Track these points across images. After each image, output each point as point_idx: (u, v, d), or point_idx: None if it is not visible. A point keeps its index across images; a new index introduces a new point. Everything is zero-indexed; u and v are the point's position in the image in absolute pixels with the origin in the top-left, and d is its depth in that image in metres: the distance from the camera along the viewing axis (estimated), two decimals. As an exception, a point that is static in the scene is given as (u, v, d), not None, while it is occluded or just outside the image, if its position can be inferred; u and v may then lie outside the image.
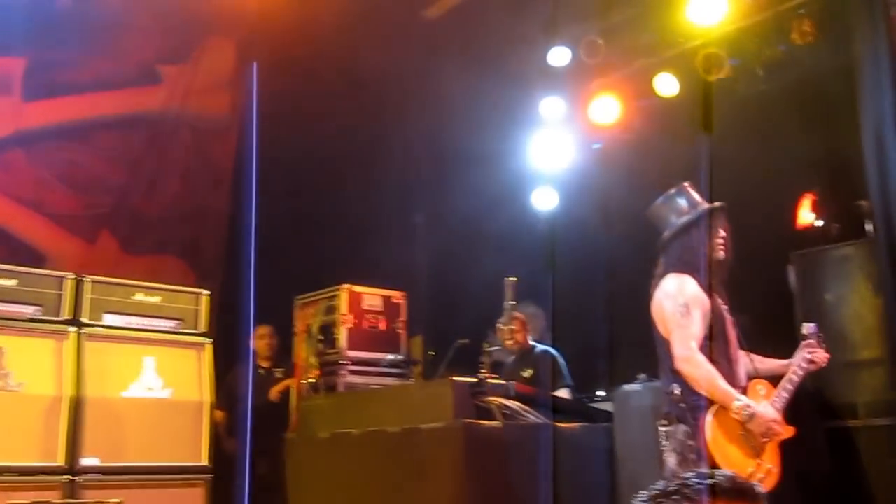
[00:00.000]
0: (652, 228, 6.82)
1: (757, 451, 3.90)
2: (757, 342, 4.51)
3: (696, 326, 3.96)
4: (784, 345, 4.54)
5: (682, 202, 4.24)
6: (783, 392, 4.06)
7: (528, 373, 6.67)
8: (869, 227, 5.20)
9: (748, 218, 6.11)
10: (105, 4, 8.05)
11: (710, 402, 3.88)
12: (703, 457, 3.78)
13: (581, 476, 5.22)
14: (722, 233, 4.18)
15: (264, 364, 7.28)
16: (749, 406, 3.87)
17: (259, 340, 7.22)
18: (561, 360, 6.70)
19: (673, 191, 4.30)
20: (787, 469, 4.48)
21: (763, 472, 3.87)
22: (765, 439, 3.90)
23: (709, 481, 1.60)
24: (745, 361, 4.20)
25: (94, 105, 7.96)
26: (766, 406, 3.97)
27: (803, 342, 4.24)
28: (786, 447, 4.17)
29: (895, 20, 5.12)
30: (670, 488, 1.63)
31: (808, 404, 4.91)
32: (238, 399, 6.20)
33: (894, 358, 4.76)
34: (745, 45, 6.73)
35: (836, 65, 6.05)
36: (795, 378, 4.11)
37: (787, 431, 3.98)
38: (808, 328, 4.28)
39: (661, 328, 4.10)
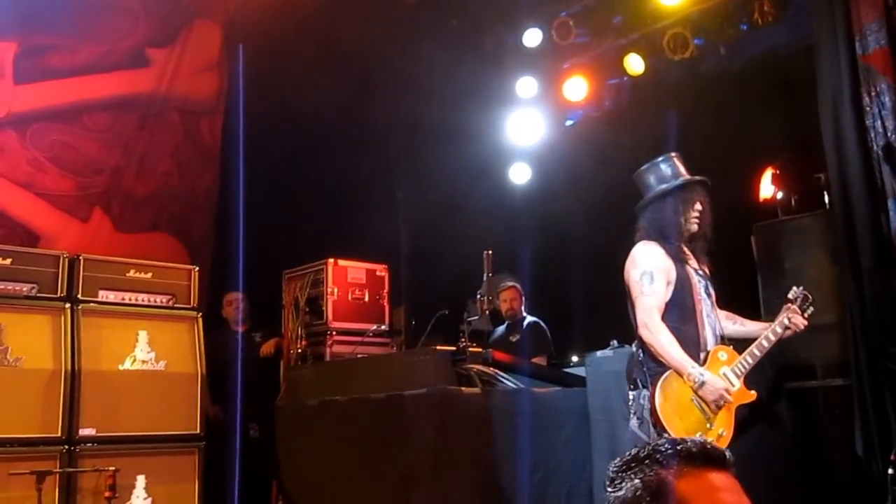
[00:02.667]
0: (622, 200, 6.89)
1: (708, 417, 3.85)
2: (722, 307, 4.54)
3: (659, 294, 3.93)
4: (747, 309, 4.60)
5: (665, 170, 4.17)
6: (748, 357, 4.02)
7: (515, 338, 6.77)
8: (826, 199, 5.22)
9: (713, 191, 6.17)
10: (93, -11, 7.94)
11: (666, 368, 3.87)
12: (651, 416, 3.79)
13: (558, 438, 5.26)
14: (698, 206, 4.10)
15: (240, 328, 7.17)
16: (702, 374, 3.81)
17: (227, 307, 7.15)
18: (546, 331, 6.79)
19: (659, 158, 4.24)
20: (748, 430, 4.56)
21: (714, 437, 3.81)
22: (716, 406, 3.84)
23: (679, 447, 1.56)
24: (718, 325, 4.12)
25: (84, 88, 7.82)
26: (725, 372, 3.92)
27: (785, 306, 4.20)
28: (748, 408, 4.21)
29: (852, 1, 5.11)
30: (642, 454, 1.58)
31: (770, 365, 4.98)
32: (215, 365, 6.16)
33: (848, 323, 4.80)
34: (709, 25, 6.74)
35: (796, 44, 6.08)
36: (766, 343, 4.07)
37: (746, 397, 3.93)
38: (794, 292, 4.24)
39: (629, 293, 4.09)
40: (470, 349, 5.29)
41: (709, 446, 1.57)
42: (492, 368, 5.25)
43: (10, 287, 5.52)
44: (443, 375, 5.11)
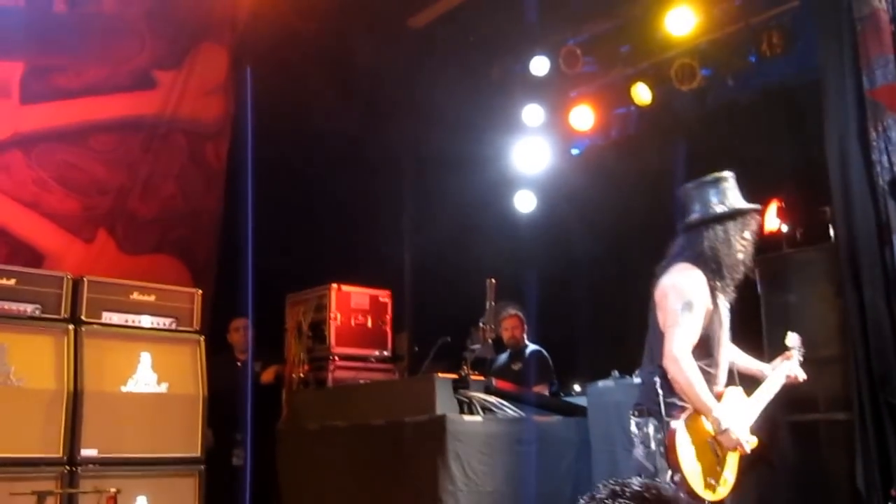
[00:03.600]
0: (628, 229, 7.01)
1: (720, 461, 3.78)
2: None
3: (696, 326, 3.78)
4: (749, 342, 4.58)
5: (713, 193, 3.95)
6: (759, 404, 4.00)
7: (517, 366, 6.85)
8: (831, 232, 5.31)
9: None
10: (100, 11, 8.10)
11: (686, 405, 3.76)
12: (667, 453, 3.67)
13: (559, 466, 5.33)
14: (748, 235, 3.91)
15: (241, 357, 7.29)
16: (727, 420, 3.73)
17: (234, 333, 7.24)
18: (549, 360, 6.87)
19: (711, 177, 4.03)
20: (750, 463, 4.62)
21: (721, 481, 3.77)
22: (730, 451, 3.78)
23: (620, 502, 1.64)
24: (729, 359, 4.05)
25: (90, 109, 7.96)
26: (741, 419, 3.85)
27: (786, 353, 4.20)
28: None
29: (860, 35, 5.22)
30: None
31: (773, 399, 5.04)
32: (214, 391, 6.23)
33: (852, 356, 4.87)
34: (717, 56, 6.87)
35: (804, 76, 6.18)
36: (772, 392, 4.06)
37: (750, 443, 3.83)
38: (792, 339, 4.21)
39: (660, 316, 3.88)
40: (472, 377, 5.37)
41: (649, 494, 1.66)
42: (493, 396, 5.34)
43: (13, 307, 5.61)
44: (444, 403, 5.18)
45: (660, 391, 3.74)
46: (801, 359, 4.22)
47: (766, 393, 4.04)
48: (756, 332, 5.31)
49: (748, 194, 6.23)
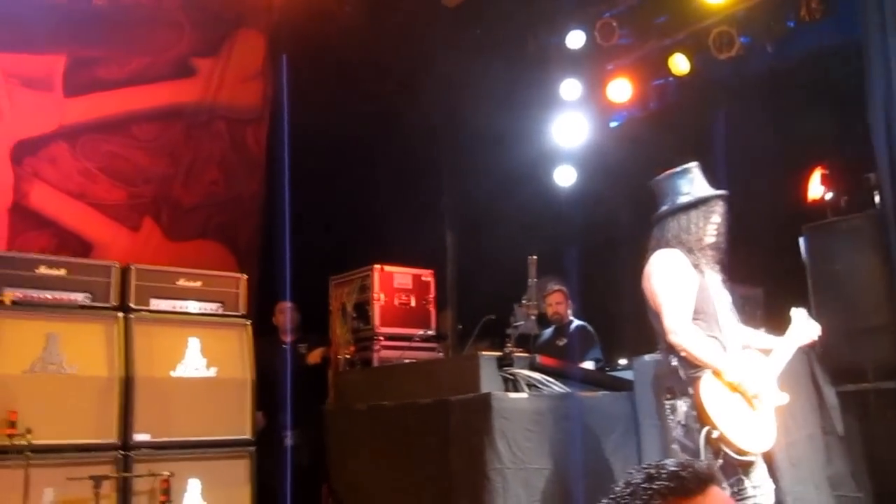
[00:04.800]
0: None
1: (753, 413, 3.87)
2: (773, 312, 4.53)
3: (686, 297, 3.92)
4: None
5: (683, 182, 4.14)
6: (777, 361, 4.06)
7: (562, 342, 6.84)
8: (877, 198, 5.21)
9: (759, 192, 6.19)
10: (139, 1, 8.19)
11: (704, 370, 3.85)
12: (699, 415, 3.76)
13: (606, 442, 5.31)
14: (716, 218, 4.07)
15: (287, 338, 7.38)
16: (740, 370, 3.85)
17: (280, 315, 7.34)
18: (594, 335, 6.85)
19: (678, 169, 4.20)
20: (800, 433, 4.59)
21: (762, 436, 3.86)
22: (757, 400, 3.87)
23: (657, 484, 1.62)
24: (739, 337, 4.12)
25: (132, 98, 8.09)
26: (761, 373, 3.94)
27: (793, 325, 4.22)
28: (799, 410, 4.23)
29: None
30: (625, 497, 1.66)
31: (819, 369, 4.99)
32: (261, 373, 6.32)
33: (901, 324, 4.80)
34: (756, 22, 6.74)
35: (845, 40, 6.05)
36: (791, 349, 4.13)
37: (781, 398, 3.95)
38: (796, 313, 4.24)
39: (651, 302, 4.05)
40: (516, 354, 5.36)
41: (685, 473, 1.65)
42: (538, 373, 5.33)
43: (64, 297, 5.71)
44: (489, 380, 5.16)
45: (679, 369, 3.87)
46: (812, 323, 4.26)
47: (783, 351, 4.12)
48: (803, 302, 5.23)
49: (789, 163, 6.19)
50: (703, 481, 1.65)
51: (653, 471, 1.66)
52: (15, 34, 7.53)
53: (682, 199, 4.10)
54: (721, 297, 4.08)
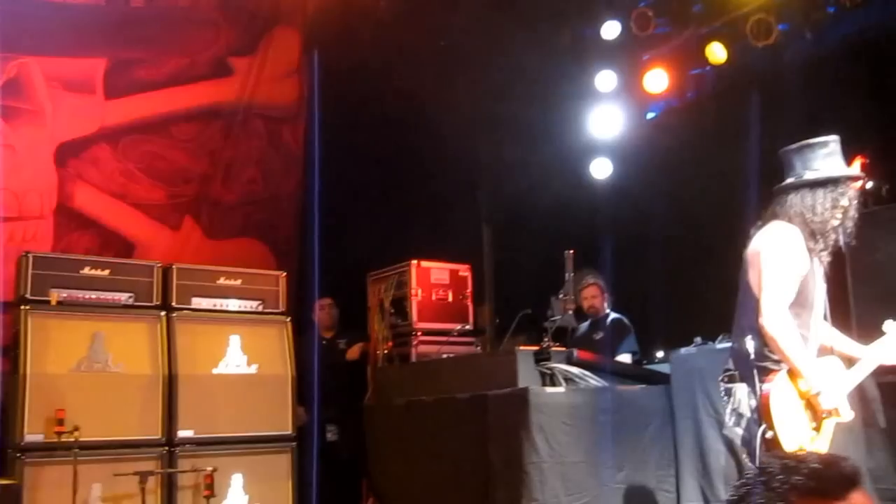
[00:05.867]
0: (706, 192, 6.88)
1: (816, 425, 3.69)
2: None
3: (791, 283, 3.67)
4: (836, 304, 4.37)
5: (816, 157, 3.83)
6: (855, 377, 3.88)
7: (598, 335, 6.84)
8: (920, 186, 5.14)
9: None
10: (176, 3, 8.31)
11: (779, 367, 3.66)
12: (761, 411, 3.59)
13: (642, 436, 5.32)
14: (845, 202, 3.77)
15: (326, 335, 7.49)
16: (824, 382, 3.64)
17: (320, 311, 7.43)
18: (630, 328, 6.85)
19: (813, 141, 3.88)
20: (839, 425, 4.53)
21: (812, 447, 3.65)
22: (825, 416, 3.68)
23: (807, 480, 1.51)
24: (824, 335, 3.93)
25: (171, 99, 8.20)
26: (838, 386, 3.73)
27: (886, 338, 3.97)
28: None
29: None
30: (757, 489, 1.55)
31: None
32: (302, 369, 6.41)
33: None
34: (794, 9, 6.64)
35: (885, 25, 5.96)
36: (870, 367, 3.92)
37: (847, 414, 3.73)
38: (890, 326, 3.97)
39: (752, 276, 3.77)
40: (553, 348, 5.38)
41: (830, 472, 1.54)
42: (575, 367, 5.34)
43: (109, 297, 5.84)
44: (526, 375, 5.20)
45: (752, 353, 3.66)
46: None
47: (862, 368, 3.91)
48: (843, 293, 5.17)
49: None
50: (847, 484, 1.54)
51: (792, 462, 1.56)
52: (56, 39, 7.67)
53: (810, 175, 3.81)
54: (822, 293, 3.88)
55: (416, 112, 7.96)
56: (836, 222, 3.77)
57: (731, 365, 3.86)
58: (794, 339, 3.63)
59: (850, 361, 3.96)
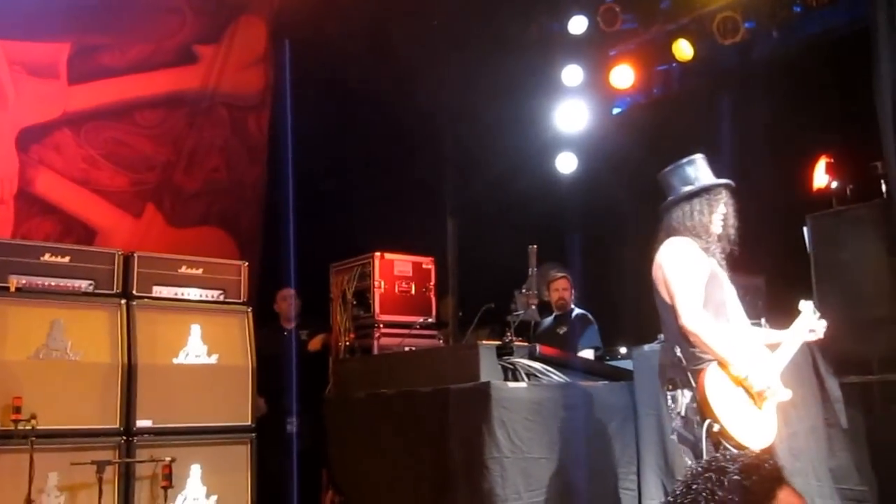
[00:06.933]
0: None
1: (756, 408, 3.80)
2: (775, 302, 4.38)
3: (698, 285, 3.84)
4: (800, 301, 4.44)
5: (690, 172, 4.08)
6: (782, 357, 3.99)
7: (562, 330, 6.72)
8: (883, 188, 5.04)
9: (764, 180, 6.02)
10: (141, -11, 8.09)
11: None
12: (701, 407, 3.69)
13: (605, 432, 5.19)
14: (723, 208, 4.02)
15: (288, 325, 7.29)
16: (748, 364, 3.77)
17: (282, 302, 7.24)
18: (594, 324, 6.75)
19: (683, 161, 4.13)
20: (803, 425, 4.44)
21: (764, 431, 3.78)
22: (762, 398, 3.79)
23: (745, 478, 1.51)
24: (745, 330, 4.06)
25: (136, 86, 8.00)
26: (767, 368, 3.86)
27: (801, 317, 4.14)
28: (801, 402, 4.08)
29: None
30: (700, 484, 1.53)
31: (822, 360, 4.83)
32: (263, 359, 6.23)
33: (908, 315, 4.64)
34: (761, 7, 6.57)
35: (852, 26, 5.88)
36: (796, 343, 4.06)
37: (784, 394, 3.86)
38: (805, 305, 4.16)
39: (662, 291, 3.96)
40: (516, 343, 5.24)
41: (749, 481, 1.51)
42: (538, 362, 5.19)
43: (69, 284, 5.64)
44: (488, 370, 5.06)
45: (684, 360, 3.81)
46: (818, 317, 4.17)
47: (787, 349, 4.04)
48: (806, 292, 5.08)
49: (794, 151, 6.01)
50: (771, 487, 1.54)
51: (714, 476, 1.53)
52: (20, 22, 7.43)
53: (686, 189, 4.05)
54: (730, 288, 4.01)
55: (382, 105, 7.81)
56: (717, 229, 4.00)
57: (670, 373, 3.93)
58: (715, 330, 3.77)
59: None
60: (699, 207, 3.99)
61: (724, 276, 4.00)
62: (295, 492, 6.53)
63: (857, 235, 5.09)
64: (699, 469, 1.56)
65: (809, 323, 4.12)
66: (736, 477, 1.51)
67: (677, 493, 1.55)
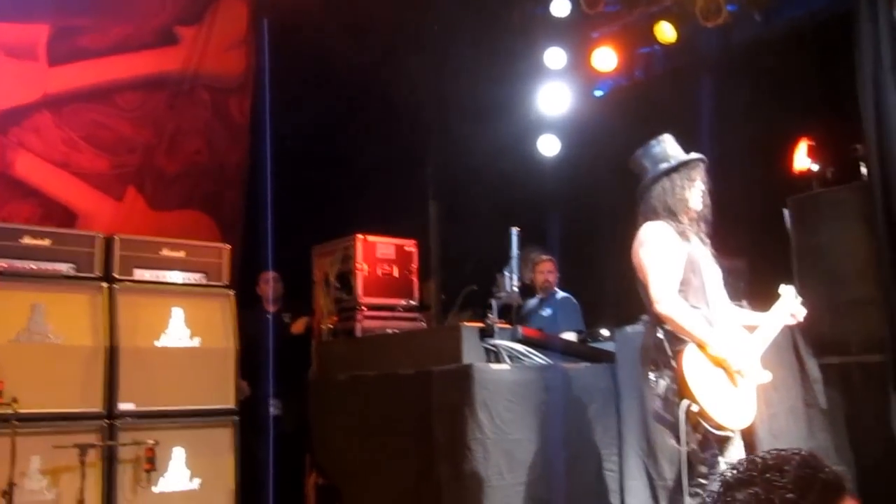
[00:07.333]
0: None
1: (734, 388, 3.79)
2: (756, 284, 4.37)
3: (673, 268, 3.83)
4: (780, 282, 4.39)
5: (660, 151, 4.06)
6: (760, 336, 3.98)
7: (546, 312, 6.68)
8: (864, 170, 5.03)
9: (745, 163, 6.00)
10: (122, -31, 7.93)
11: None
12: (680, 388, 3.68)
13: (587, 414, 5.17)
14: (700, 184, 4.00)
15: (271, 308, 7.23)
16: (725, 345, 3.76)
17: (265, 285, 7.18)
18: (577, 306, 6.74)
19: (653, 141, 4.12)
20: (782, 407, 4.44)
21: (743, 412, 3.78)
22: (741, 378, 3.78)
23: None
24: (727, 313, 4.04)
25: (116, 67, 7.83)
26: (745, 350, 3.85)
27: (781, 300, 4.14)
28: (781, 383, 4.08)
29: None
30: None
31: (802, 341, 4.84)
32: (245, 342, 6.17)
33: (886, 297, 4.63)
34: (744, -11, 6.50)
35: (834, 9, 5.85)
36: (776, 326, 4.05)
37: (763, 376, 3.85)
38: (785, 290, 4.16)
39: (639, 273, 3.95)
40: (498, 325, 5.19)
41: (822, 476, 1.32)
42: (520, 344, 5.16)
43: (49, 267, 5.55)
44: (471, 352, 5.01)
45: (665, 342, 3.77)
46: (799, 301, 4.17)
47: (766, 331, 4.02)
48: (787, 274, 5.07)
49: (776, 133, 5.99)
50: (834, 496, 1.31)
51: (761, 493, 1.31)
52: (-2, 3, 7.27)
53: (664, 165, 4.01)
54: (710, 270, 3.97)
55: (364, 87, 7.70)
56: (697, 206, 3.98)
57: (652, 355, 3.91)
58: (689, 313, 3.76)
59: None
60: (679, 182, 3.97)
61: (704, 259, 3.96)
62: (277, 474, 6.50)
63: (836, 217, 5.10)
64: (739, 476, 1.35)
65: (790, 307, 4.10)
66: (790, 496, 1.29)
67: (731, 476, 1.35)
